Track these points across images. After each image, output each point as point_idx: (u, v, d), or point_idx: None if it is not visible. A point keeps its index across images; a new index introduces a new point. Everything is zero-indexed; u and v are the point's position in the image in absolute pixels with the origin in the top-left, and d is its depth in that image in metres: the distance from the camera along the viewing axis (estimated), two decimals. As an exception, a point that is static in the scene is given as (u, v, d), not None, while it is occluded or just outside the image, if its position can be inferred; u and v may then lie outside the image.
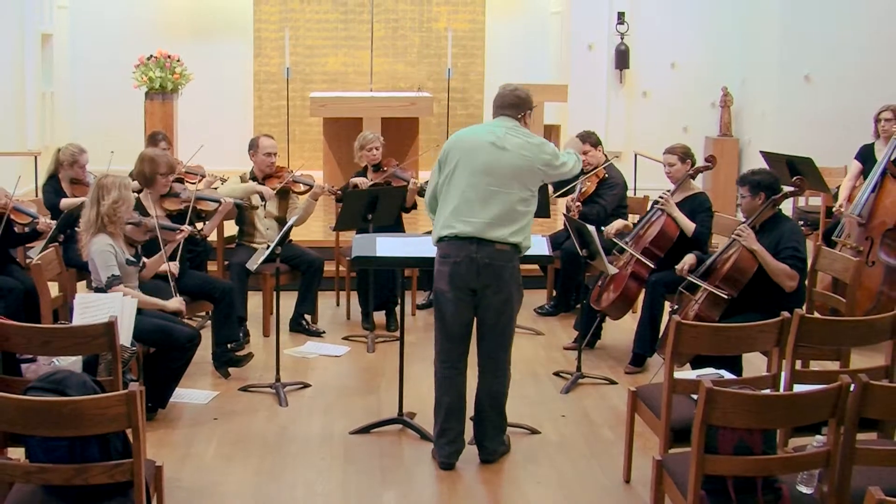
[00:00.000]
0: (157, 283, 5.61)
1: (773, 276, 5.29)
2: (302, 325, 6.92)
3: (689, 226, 6.12)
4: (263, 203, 6.79)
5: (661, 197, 6.23)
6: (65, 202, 6.52)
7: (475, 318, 4.72)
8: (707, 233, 6.21)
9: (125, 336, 4.69)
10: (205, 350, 5.84)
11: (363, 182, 7.02)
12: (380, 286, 6.90)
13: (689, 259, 5.85)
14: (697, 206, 6.22)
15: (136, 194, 5.98)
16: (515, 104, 4.73)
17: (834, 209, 7.36)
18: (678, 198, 6.26)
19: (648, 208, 6.52)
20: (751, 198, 5.47)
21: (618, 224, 6.61)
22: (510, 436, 5.00)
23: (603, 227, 6.55)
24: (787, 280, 5.29)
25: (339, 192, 7.07)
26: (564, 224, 6.76)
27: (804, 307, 5.62)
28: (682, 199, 6.26)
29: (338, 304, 7.62)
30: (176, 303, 5.37)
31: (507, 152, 4.58)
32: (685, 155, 6.33)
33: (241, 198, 6.64)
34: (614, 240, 6.42)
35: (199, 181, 7.32)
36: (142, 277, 5.43)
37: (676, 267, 5.87)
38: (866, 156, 7.10)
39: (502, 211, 4.55)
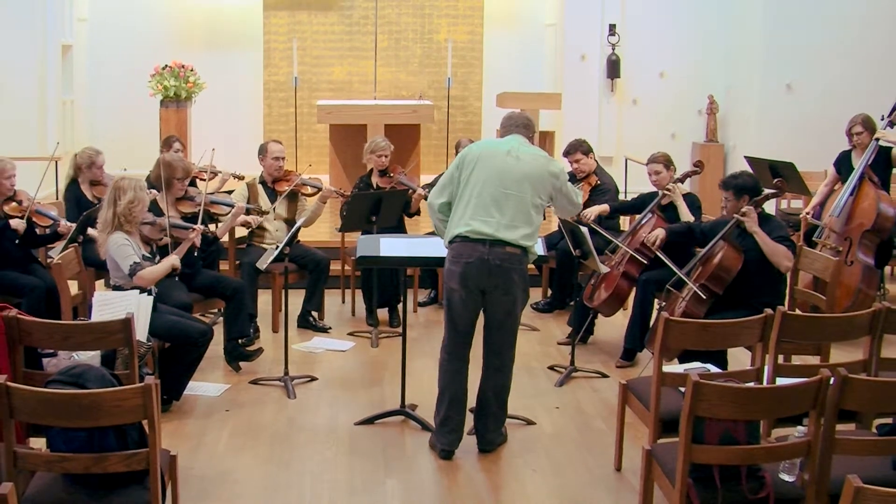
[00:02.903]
0: (170, 281, 5.60)
1: (770, 256, 5.27)
2: (309, 322, 6.92)
3: (689, 218, 6.20)
4: (273, 208, 6.79)
5: (667, 189, 6.26)
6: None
7: (483, 315, 4.74)
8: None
9: (141, 332, 4.69)
10: (217, 345, 5.84)
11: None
12: (383, 284, 6.90)
13: (658, 233, 5.89)
14: (689, 205, 6.28)
15: (152, 191, 5.99)
16: (526, 125, 4.91)
17: (802, 216, 7.36)
18: (668, 200, 6.31)
19: (643, 200, 6.53)
20: (735, 201, 5.48)
21: (595, 210, 6.62)
22: (507, 427, 5.00)
23: (580, 213, 6.58)
24: (784, 260, 5.30)
25: (346, 195, 7.05)
26: (559, 225, 6.76)
27: (786, 304, 5.62)
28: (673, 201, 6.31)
29: (343, 302, 7.62)
30: (173, 258, 5.32)
31: (520, 161, 4.67)
32: (668, 162, 6.43)
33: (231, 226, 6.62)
34: (594, 226, 6.41)
35: (212, 178, 7.31)
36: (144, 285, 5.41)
37: (646, 237, 5.91)
38: (843, 162, 7.09)
39: (517, 212, 4.60)
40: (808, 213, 7.15)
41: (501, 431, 4.92)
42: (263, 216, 6.68)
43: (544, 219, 4.99)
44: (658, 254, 5.76)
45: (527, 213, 4.64)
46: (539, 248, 4.98)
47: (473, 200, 4.63)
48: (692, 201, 6.34)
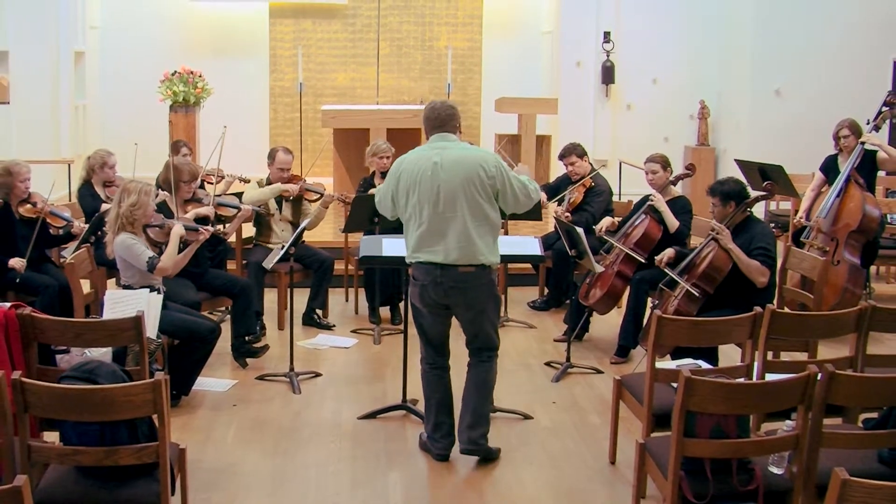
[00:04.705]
0: (179, 280, 5.61)
1: (745, 272, 5.29)
2: (314, 319, 6.92)
3: (674, 223, 6.15)
4: (279, 208, 6.81)
5: (651, 197, 6.24)
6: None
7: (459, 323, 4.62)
8: (687, 232, 6.27)
9: (151, 329, 4.69)
10: (224, 342, 5.84)
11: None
12: (385, 283, 6.89)
13: (668, 252, 5.84)
14: (679, 209, 6.26)
15: (163, 193, 5.99)
16: (452, 115, 4.51)
17: (794, 221, 7.36)
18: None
19: (638, 207, 6.49)
20: (722, 207, 5.47)
21: (606, 222, 6.61)
22: (504, 422, 4.98)
23: (594, 227, 6.57)
24: (758, 276, 5.29)
25: (348, 201, 7.05)
26: (555, 226, 6.75)
27: (775, 303, 5.62)
28: (665, 202, 6.28)
29: (347, 300, 7.61)
30: (177, 228, 5.29)
31: (449, 173, 4.35)
32: (665, 163, 6.40)
33: (269, 199, 6.72)
34: (605, 237, 6.42)
35: (219, 181, 7.32)
36: (168, 275, 5.42)
37: (656, 258, 5.87)
38: (830, 167, 7.07)
39: (460, 235, 4.35)
40: (801, 218, 7.12)
41: (487, 437, 4.62)
42: (269, 215, 6.73)
43: (541, 220, 4.84)
44: (666, 270, 5.69)
45: (467, 233, 4.35)
46: (533, 246, 4.94)
47: (415, 233, 4.43)
48: (683, 205, 6.32)
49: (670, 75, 11.64)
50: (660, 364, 4.32)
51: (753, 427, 4.07)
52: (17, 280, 5.67)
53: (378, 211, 6.34)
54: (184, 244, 5.44)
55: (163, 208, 5.80)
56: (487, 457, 4.62)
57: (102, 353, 4.45)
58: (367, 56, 12.37)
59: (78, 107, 11.39)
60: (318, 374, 5.87)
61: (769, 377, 4.11)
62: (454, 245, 4.37)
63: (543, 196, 6.83)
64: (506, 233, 4.86)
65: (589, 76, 11.65)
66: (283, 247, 5.70)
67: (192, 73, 10.53)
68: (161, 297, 5.01)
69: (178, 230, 5.26)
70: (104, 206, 6.35)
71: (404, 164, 4.52)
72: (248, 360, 5.99)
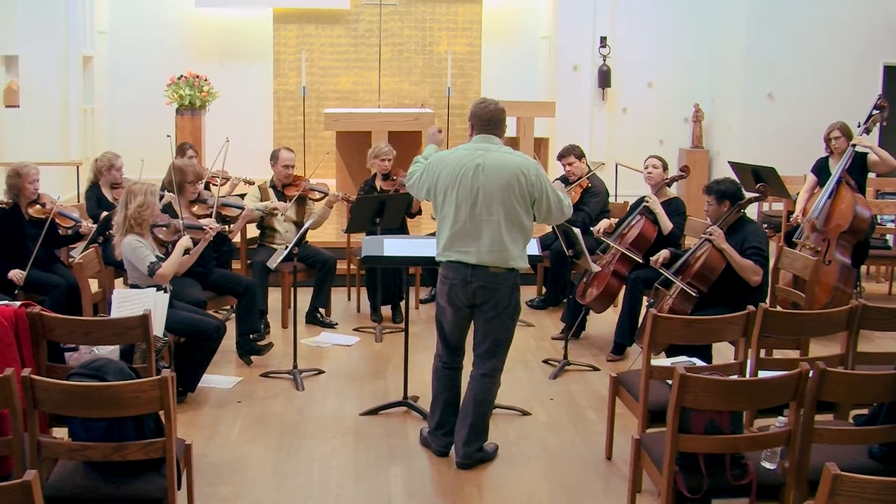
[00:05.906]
0: (185, 279, 5.60)
1: (739, 271, 5.29)
2: (317, 318, 6.91)
3: (668, 224, 6.15)
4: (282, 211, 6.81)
5: (647, 199, 6.25)
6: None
7: (473, 325, 4.59)
8: (680, 234, 6.27)
9: (158, 327, 4.68)
10: (229, 340, 5.83)
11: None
12: (387, 282, 6.89)
13: (663, 253, 5.84)
14: (673, 210, 6.27)
15: (170, 194, 5.98)
16: (502, 119, 4.47)
17: (791, 219, 7.36)
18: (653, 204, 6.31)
19: (634, 208, 6.49)
20: (717, 206, 5.47)
21: (604, 224, 6.61)
22: (501, 420, 4.98)
23: (592, 228, 6.59)
24: (752, 275, 5.29)
25: (352, 200, 7.05)
26: (553, 226, 6.75)
27: (767, 301, 5.62)
28: (660, 203, 6.29)
29: (349, 299, 7.61)
30: (184, 239, 5.29)
31: (489, 178, 4.29)
32: (665, 164, 6.43)
33: (259, 216, 6.69)
34: (602, 238, 6.43)
35: (224, 183, 7.32)
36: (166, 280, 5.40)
37: (651, 259, 5.88)
38: (821, 168, 7.07)
39: (494, 238, 4.31)
40: (798, 216, 7.12)
41: (483, 448, 4.61)
42: (272, 216, 6.72)
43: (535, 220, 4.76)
44: (661, 270, 5.69)
45: (501, 237, 4.30)
46: (531, 246, 4.94)
47: (448, 231, 4.38)
48: (677, 206, 6.33)
49: (665, 79, 11.64)
50: (655, 361, 4.32)
51: (746, 423, 4.07)
52: (17, 291, 5.64)
53: (377, 212, 6.41)
54: (193, 243, 5.44)
55: (168, 210, 5.80)
56: (484, 460, 4.61)
57: (110, 351, 4.45)
58: (368, 60, 12.36)
59: (86, 110, 11.39)
60: (320, 372, 5.86)
61: (762, 374, 4.10)
62: (486, 248, 4.33)
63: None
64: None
65: (586, 80, 11.65)
66: (287, 247, 5.70)
67: (197, 77, 10.52)
68: (167, 296, 5.01)
69: (184, 242, 5.26)
70: (103, 214, 6.34)
71: (445, 162, 4.43)
72: (252, 357, 5.99)
